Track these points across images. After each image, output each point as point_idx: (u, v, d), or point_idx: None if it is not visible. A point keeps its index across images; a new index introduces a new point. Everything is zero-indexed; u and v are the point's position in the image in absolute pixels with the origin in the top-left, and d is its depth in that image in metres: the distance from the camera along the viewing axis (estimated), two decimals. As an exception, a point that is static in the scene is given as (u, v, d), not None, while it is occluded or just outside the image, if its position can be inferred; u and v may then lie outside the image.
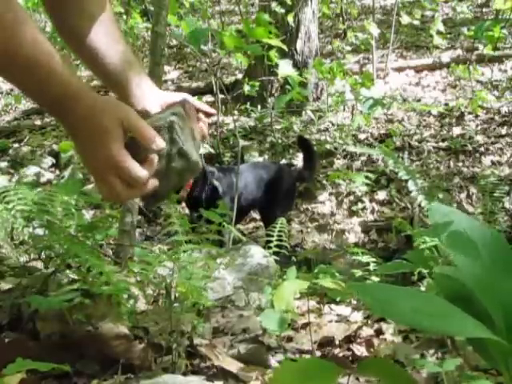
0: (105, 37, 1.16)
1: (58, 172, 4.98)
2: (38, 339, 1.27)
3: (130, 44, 6.52)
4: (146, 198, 1.08)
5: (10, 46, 0.87)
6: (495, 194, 3.86)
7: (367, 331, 1.59)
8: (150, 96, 1.19)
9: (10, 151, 5.36)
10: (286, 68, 3.92)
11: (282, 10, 5.13)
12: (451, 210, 1.14)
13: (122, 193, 0.93)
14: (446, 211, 1.11)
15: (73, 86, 0.92)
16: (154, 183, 0.97)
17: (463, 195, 4.25)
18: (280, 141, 5.21)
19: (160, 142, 0.96)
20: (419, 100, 5.89)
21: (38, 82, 0.90)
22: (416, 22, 7.08)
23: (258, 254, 2.06)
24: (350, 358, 1.42)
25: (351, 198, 4.43)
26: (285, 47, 3.63)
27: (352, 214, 4.31)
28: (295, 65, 5.55)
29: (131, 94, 1.18)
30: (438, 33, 6.62)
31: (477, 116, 5.35)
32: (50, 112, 0.96)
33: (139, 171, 0.92)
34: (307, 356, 1.44)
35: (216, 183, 3.57)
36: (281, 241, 2.27)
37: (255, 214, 4.26)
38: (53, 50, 0.91)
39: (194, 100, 1.21)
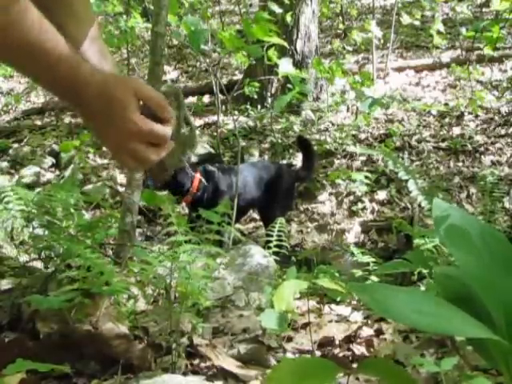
0: (97, 55, 1.17)
1: (57, 172, 4.98)
2: (37, 339, 1.27)
3: (129, 44, 6.51)
4: (154, 170, 1.10)
5: (16, 34, 0.87)
6: (495, 194, 3.86)
7: (367, 331, 1.59)
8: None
9: (10, 151, 5.36)
10: (286, 66, 3.91)
11: (280, 10, 5.12)
12: (452, 206, 1.14)
13: (149, 155, 0.96)
14: (447, 208, 1.11)
15: (82, 68, 0.93)
16: (171, 144, 1.00)
17: (463, 195, 4.25)
18: (280, 141, 5.21)
19: (171, 110, 0.99)
20: (419, 100, 5.89)
21: (48, 69, 0.91)
22: (416, 22, 7.08)
23: (257, 254, 2.06)
24: (350, 358, 1.42)
25: (351, 197, 4.43)
26: (286, 44, 3.63)
27: (352, 214, 4.30)
28: (295, 65, 5.55)
29: None
30: (438, 33, 6.62)
31: (477, 116, 5.35)
32: (65, 99, 0.96)
33: (162, 128, 0.95)
34: (307, 356, 1.44)
35: (217, 182, 3.58)
36: (281, 241, 2.27)
37: (255, 214, 4.26)
38: (58, 35, 0.92)
39: None
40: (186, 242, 1.40)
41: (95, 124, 0.96)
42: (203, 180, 3.48)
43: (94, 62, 1.16)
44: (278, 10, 4.87)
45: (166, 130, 0.96)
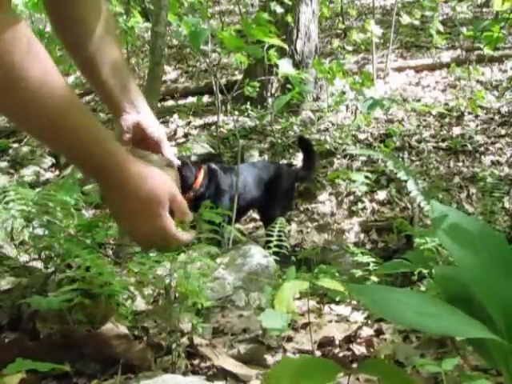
0: (103, 52, 1.17)
1: (57, 172, 4.98)
2: (37, 339, 1.27)
3: (129, 44, 6.51)
4: None
5: (58, 116, 0.86)
6: (495, 194, 3.86)
7: (367, 331, 1.59)
8: (141, 115, 1.21)
9: (10, 151, 5.36)
10: (286, 67, 3.92)
11: (281, 10, 5.13)
12: (450, 209, 1.14)
13: (161, 247, 1.07)
14: (446, 210, 1.11)
15: (121, 152, 0.94)
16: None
17: (463, 195, 4.25)
18: (280, 141, 5.21)
19: (190, 215, 1.08)
20: (419, 100, 5.89)
21: (83, 144, 0.90)
22: (416, 22, 7.08)
23: (257, 254, 2.06)
24: (350, 358, 1.42)
25: (351, 198, 4.43)
26: (285, 46, 3.63)
27: (352, 214, 4.30)
28: (295, 65, 5.55)
29: (123, 110, 1.20)
30: (438, 33, 6.62)
31: (477, 116, 5.35)
32: (92, 175, 0.97)
33: (181, 239, 1.05)
34: (307, 355, 1.44)
35: (219, 181, 3.57)
36: (281, 241, 2.27)
37: (255, 214, 4.26)
38: (93, 117, 0.93)
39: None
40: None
41: (125, 209, 0.97)
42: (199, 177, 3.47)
43: (100, 61, 1.17)
44: (278, 10, 4.87)
45: (184, 240, 1.05)
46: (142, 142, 1.20)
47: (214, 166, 3.68)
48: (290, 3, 5.52)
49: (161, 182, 0.99)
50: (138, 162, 0.98)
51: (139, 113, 1.20)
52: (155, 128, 1.24)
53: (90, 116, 0.92)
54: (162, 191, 0.97)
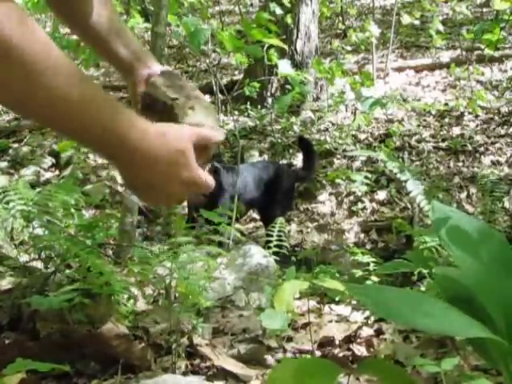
0: (109, 22, 1.17)
1: (57, 172, 4.98)
2: (37, 339, 1.27)
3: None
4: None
5: (63, 88, 0.83)
6: (495, 194, 3.86)
7: (367, 331, 1.59)
8: (153, 68, 1.20)
9: (10, 151, 5.36)
10: (285, 68, 3.92)
11: (281, 11, 5.13)
12: (451, 209, 1.14)
13: (187, 197, 1.03)
14: (447, 210, 1.11)
15: (138, 119, 0.92)
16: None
17: (463, 195, 4.25)
18: (280, 141, 5.21)
19: (221, 133, 1.06)
20: (419, 100, 5.89)
21: (94, 122, 0.87)
22: (416, 22, 7.08)
23: (257, 254, 2.06)
24: (350, 358, 1.42)
25: (351, 198, 4.43)
26: (285, 46, 3.63)
27: (352, 214, 4.30)
28: (295, 65, 5.55)
29: (136, 67, 1.19)
30: (438, 33, 6.62)
31: (477, 116, 5.35)
32: (108, 154, 0.93)
33: (209, 180, 1.01)
34: (307, 356, 1.44)
35: (223, 180, 3.56)
36: (281, 241, 2.27)
37: (255, 214, 4.26)
38: (97, 86, 0.90)
39: None
40: (185, 242, 1.40)
41: (150, 174, 0.95)
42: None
43: (104, 27, 1.16)
44: (278, 11, 4.88)
45: (211, 182, 1.02)
46: None
47: (217, 164, 3.67)
48: (290, 5, 5.52)
49: (179, 134, 0.97)
50: (154, 126, 0.97)
51: (150, 67, 1.19)
52: None
53: (93, 85, 0.90)
54: (183, 142, 0.96)
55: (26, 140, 5.66)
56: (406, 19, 6.75)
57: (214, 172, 3.51)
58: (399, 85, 6.41)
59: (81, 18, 1.16)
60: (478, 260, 1.00)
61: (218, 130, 1.06)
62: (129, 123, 0.91)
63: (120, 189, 4.39)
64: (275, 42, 3.18)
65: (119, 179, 4.64)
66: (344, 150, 4.91)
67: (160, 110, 1.09)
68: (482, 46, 5.81)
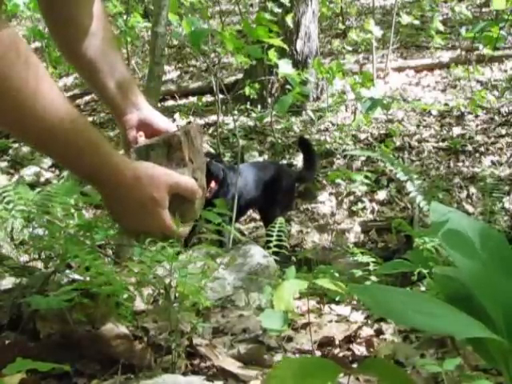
0: (100, 52, 1.17)
1: (57, 172, 4.98)
2: (38, 339, 1.27)
3: (129, 44, 6.51)
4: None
5: (51, 125, 0.86)
6: (495, 194, 3.86)
7: (367, 331, 1.58)
8: (144, 112, 1.21)
9: (10, 151, 5.36)
10: (285, 68, 3.92)
11: (279, 10, 5.13)
12: (451, 209, 1.14)
13: (160, 240, 1.07)
14: (446, 211, 1.11)
15: (114, 157, 0.95)
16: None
17: (463, 195, 4.25)
18: (280, 141, 5.21)
19: (200, 192, 1.09)
20: (419, 100, 5.89)
21: (77, 153, 0.91)
22: (416, 22, 7.08)
23: (257, 254, 2.05)
24: (350, 358, 1.42)
25: (351, 198, 4.43)
26: (285, 46, 3.63)
27: (352, 213, 4.30)
28: (295, 65, 5.55)
29: (125, 111, 1.20)
30: (437, 32, 6.62)
31: (477, 116, 5.35)
32: (87, 180, 1.00)
33: (179, 233, 1.06)
34: (307, 356, 1.44)
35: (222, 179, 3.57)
36: (281, 241, 2.27)
37: (255, 214, 4.26)
38: (87, 121, 0.95)
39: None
40: (175, 245, 1.39)
41: (120, 211, 0.99)
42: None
43: (98, 62, 1.17)
44: (277, 10, 4.88)
45: (182, 234, 1.07)
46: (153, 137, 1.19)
47: (218, 164, 3.68)
48: (289, 5, 5.51)
49: (157, 178, 0.99)
50: (133, 163, 0.99)
51: (141, 110, 1.20)
52: (160, 119, 1.23)
53: (82, 122, 0.92)
54: (159, 188, 0.98)
55: (25, 140, 5.66)
56: (405, 19, 6.75)
57: (211, 173, 3.52)
58: (399, 85, 6.41)
59: (75, 41, 1.16)
60: (477, 260, 1.00)
61: (198, 187, 1.08)
62: (105, 159, 0.94)
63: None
64: (275, 41, 3.19)
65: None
66: (344, 150, 4.91)
67: None
68: (482, 46, 5.82)
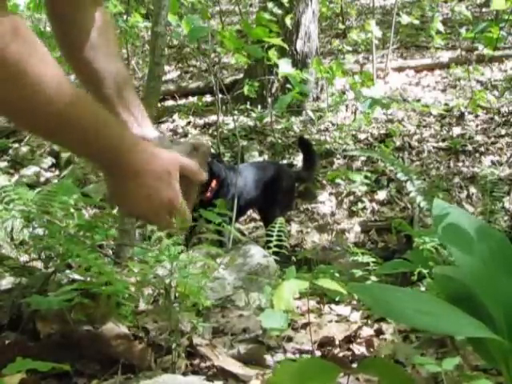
0: (103, 59, 1.17)
1: (57, 172, 4.98)
2: (38, 339, 1.27)
3: (129, 44, 6.51)
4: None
5: (57, 107, 0.86)
6: (495, 194, 3.86)
7: (367, 331, 1.58)
8: (142, 125, 1.21)
9: (10, 151, 5.36)
10: (285, 67, 3.92)
11: (280, 11, 5.13)
12: (452, 206, 1.14)
13: (169, 224, 1.07)
14: (447, 208, 1.11)
15: (128, 134, 0.98)
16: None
17: (463, 195, 4.25)
18: (280, 141, 5.21)
19: (204, 175, 1.12)
20: (419, 100, 5.89)
21: (94, 135, 0.92)
22: (416, 22, 7.08)
23: (258, 254, 2.06)
24: (350, 358, 1.42)
25: (351, 198, 4.43)
26: (285, 46, 3.63)
27: (352, 214, 4.30)
28: (295, 65, 5.55)
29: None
30: (437, 32, 6.62)
31: (477, 116, 5.35)
32: (100, 163, 1.00)
33: (187, 213, 1.07)
34: (307, 356, 1.44)
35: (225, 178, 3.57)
36: (281, 241, 2.27)
37: (255, 214, 4.26)
38: (95, 102, 0.95)
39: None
40: (174, 244, 1.39)
41: (133, 187, 0.99)
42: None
43: (100, 70, 1.17)
44: (277, 11, 4.88)
45: (189, 216, 1.08)
46: None
47: (219, 164, 3.68)
48: (288, 5, 5.52)
49: (167, 155, 1.03)
50: (144, 143, 1.01)
51: (141, 127, 1.20)
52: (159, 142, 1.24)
53: (91, 103, 0.93)
54: (170, 163, 1.01)
55: (25, 140, 5.66)
56: (405, 19, 6.75)
57: (213, 172, 3.51)
58: (399, 85, 6.41)
59: (77, 44, 1.17)
60: (478, 258, 1.00)
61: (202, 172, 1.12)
62: (123, 137, 0.96)
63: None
64: (276, 41, 3.19)
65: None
66: (344, 150, 4.91)
67: None
68: (482, 46, 5.82)
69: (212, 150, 4.93)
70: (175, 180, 1.01)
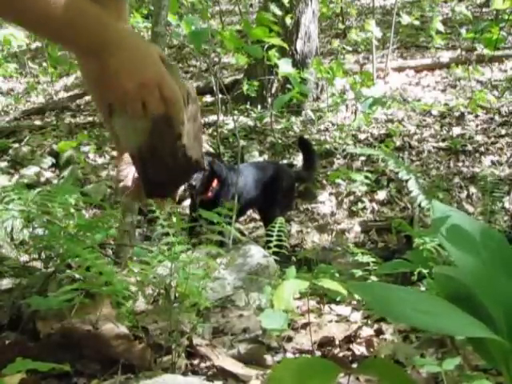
0: None
1: (57, 172, 4.98)
2: (38, 339, 1.27)
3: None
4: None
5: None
6: (495, 194, 3.86)
7: (367, 331, 1.59)
8: None
9: (10, 151, 5.35)
10: (285, 67, 3.92)
11: (280, 12, 5.13)
12: (451, 208, 1.14)
13: (157, 108, 0.97)
14: (446, 210, 1.11)
15: (111, 21, 0.96)
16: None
17: (463, 195, 4.25)
18: (280, 141, 5.21)
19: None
20: (419, 100, 5.89)
21: (82, 22, 0.92)
22: (416, 22, 7.08)
23: (257, 254, 2.06)
24: (350, 358, 1.42)
25: (351, 198, 4.43)
26: (286, 45, 3.63)
27: (352, 214, 4.30)
28: (295, 65, 5.55)
29: None
30: (437, 32, 6.62)
31: (477, 116, 5.35)
32: (89, 47, 0.96)
33: (177, 88, 0.99)
34: (307, 356, 1.44)
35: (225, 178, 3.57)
36: (281, 241, 2.27)
37: (255, 214, 4.26)
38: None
39: None
40: (179, 243, 1.39)
41: (119, 60, 0.95)
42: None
43: None
44: (277, 11, 4.88)
45: (179, 92, 0.99)
46: None
47: (220, 164, 3.68)
48: (289, 5, 5.52)
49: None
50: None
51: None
52: None
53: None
54: (154, 50, 0.99)
55: (25, 140, 5.66)
56: (405, 19, 6.75)
57: (214, 172, 3.51)
58: (399, 85, 6.41)
59: None
60: (478, 259, 1.00)
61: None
62: (110, 22, 0.95)
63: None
64: (276, 41, 3.19)
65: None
66: (344, 150, 4.91)
67: None
68: (482, 46, 5.82)
69: (212, 150, 4.93)
70: (161, 62, 0.98)
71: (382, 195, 4.40)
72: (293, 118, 5.69)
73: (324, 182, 4.59)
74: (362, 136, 5.20)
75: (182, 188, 1.15)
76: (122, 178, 1.12)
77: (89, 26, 0.93)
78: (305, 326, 1.61)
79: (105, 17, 0.96)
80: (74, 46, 0.99)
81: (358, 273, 2.28)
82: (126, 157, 1.16)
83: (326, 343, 1.51)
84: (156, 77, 0.96)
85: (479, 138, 4.97)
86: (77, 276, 1.48)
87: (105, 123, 1.11)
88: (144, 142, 1.00)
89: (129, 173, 1.15)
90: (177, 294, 1.33)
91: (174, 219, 1.55)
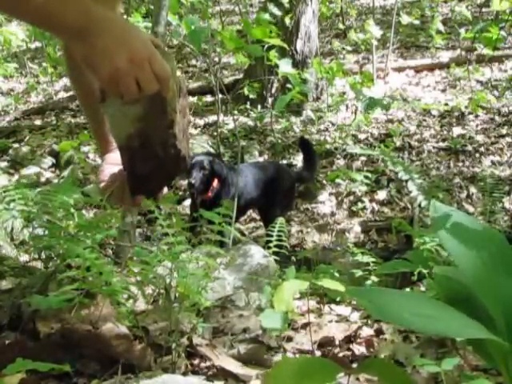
0: None
1: (57, 172, 4.98)
2: (38, 339, 1.27)
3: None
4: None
5: None
6: (495, 194, 3.86)
7: (367, 331, 1.59)
8: None
9: (10, 151, 5.36)
10: (285, 67, 3.92)
11: (279, 13, 5.13)
12: (451, 208, 1.14)
13: (150, 83, 0.95)
14: (446, 210, 1.11)
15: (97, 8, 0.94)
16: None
17: (463, 195, 4.25)
18: (280, 141, 5.21)
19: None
20: (419, 100, 5.89)
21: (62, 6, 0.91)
22: (416, 22, 7.08)
23: (257, 254, 2.06)
24: (350, 358, 1.42)
25: (351, 198, 4.43)
26: (286, 46, 3.63)
27: (352, 214, 4.30)
28: (295, 65, 5.55)
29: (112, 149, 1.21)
30: (438, 33, 6.62)
31: (477, 116, 5.35)
32: (74, 30, 0.94)
33: (168, 67, 0.97)
34: (307, 356, 1.44)
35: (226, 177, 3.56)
36: (281, 241, 2.27)
37: (255, 214, 4.26)
38: None
39: None
40: (178, 243, 1.39)
41: (107, 37, 0.93)
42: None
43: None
44: (277, 12, 4.88)
45: (168, 68, 0.97)
46: None
47: (220, 163, 3.67)
48: (288, 5, 5.52)
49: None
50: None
51: None
52: None
53: None
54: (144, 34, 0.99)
55: (25, 140, 5.66)
56: (405, 19, 6.75)
57: (214, 171, 3.51)
58: (399, 85, 6.41)
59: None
60: (478, 260, 1.00)
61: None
62: (99, 8, 0.93)
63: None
64: (275, 41, 3.19)
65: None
66: (344, 150, 4.91)
67: None
68: (481, 46, 5.82)
69: (212, 150, 4.93)
70: (149, 42, 0.96)
71: (382, 195, 4.40)
72: (293, 118, 5.69)
73: (324, 182, 4.59)
74: (362, 136, 5.20)
75: (166, 190, 1.14)
76: (103, 179, 1.13)
77: (71, 9, 0.91)
78: (305, 326, 1.61)
79: (89, 1, 0.95)
80: (57, 30, 0.97)
81: (358, 273, 2.28)
82: (108, 157, 1.17)
83: (325, 343, 1.51)
84: (145, 51, 0.94)
85: (479, 138, 4.97)
86: (77, 276, 1.47)
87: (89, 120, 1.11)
88: (135, 130, 0.99)
89: (110, 172, 1.15)
90: (177, 294, 1.33)
91: (174, 219, 1.55)
